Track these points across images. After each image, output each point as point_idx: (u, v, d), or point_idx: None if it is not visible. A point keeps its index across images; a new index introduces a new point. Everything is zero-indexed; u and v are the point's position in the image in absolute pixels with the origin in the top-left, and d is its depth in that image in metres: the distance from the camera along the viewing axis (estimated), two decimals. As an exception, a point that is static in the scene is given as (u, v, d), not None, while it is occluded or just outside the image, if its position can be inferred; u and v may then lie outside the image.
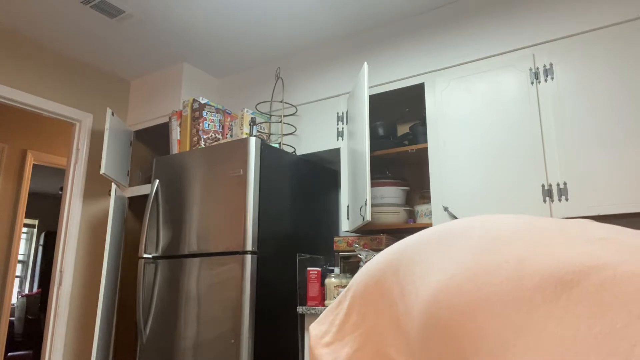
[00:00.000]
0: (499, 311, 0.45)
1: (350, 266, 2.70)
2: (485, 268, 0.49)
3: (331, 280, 2.39)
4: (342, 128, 2.89)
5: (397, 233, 2.77)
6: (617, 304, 0.37)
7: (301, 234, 2.66)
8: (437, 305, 0.51)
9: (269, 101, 3.32)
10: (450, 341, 0.49)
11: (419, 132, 2.68)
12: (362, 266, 2.37)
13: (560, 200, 2.13)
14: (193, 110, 2.95)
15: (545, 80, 2.27)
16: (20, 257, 6.67)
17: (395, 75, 2.78)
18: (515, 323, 0.43)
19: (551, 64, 2.27)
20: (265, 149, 2.50)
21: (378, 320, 0.61)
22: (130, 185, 3.47)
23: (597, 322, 0.37)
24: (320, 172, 2.95)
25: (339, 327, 0.67)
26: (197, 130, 2.87)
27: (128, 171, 3.47)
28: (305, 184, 2.77)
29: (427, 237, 0.61)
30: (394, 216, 2.60)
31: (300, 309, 2.38)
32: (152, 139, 3.75)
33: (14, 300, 5.94)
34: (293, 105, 3.18)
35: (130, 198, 3.51)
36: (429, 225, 2.48)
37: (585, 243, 0.46)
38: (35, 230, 6.88)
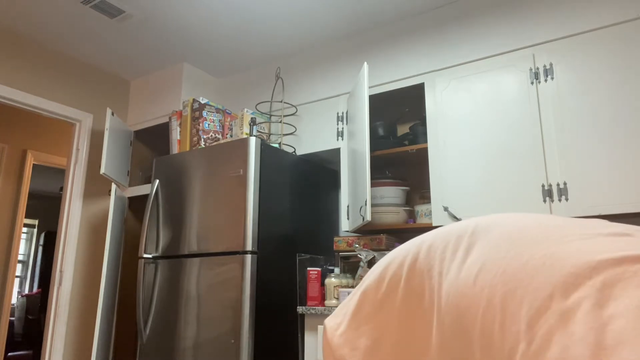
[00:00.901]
0: (531, 299, 0.45)
1: (350, 266, 2.70)
2: (512, 264, 0.49)
3: (331, 280, 2.39)
4: (342, 128, 2.89)
5: (397, 233, 2.77)
6: None
7: (301, 234, 2.66)
8: (462, 310, 0.51)
9: (269, 101, 3.32)
10: (478, 339, 0.49)
11: (419, 132, 2.68)
12: (362, 266, 2.37)
13: (560, 200, 2.13)
14: (193, 110, 2.95)
15: (545, 80, 2.27)
16: (20, 257, 6.67)
17: (395, 75, 2.78)
18: (550, 308, 0.43)
19: (551, 64, 2.27)
20: (265, 149, 2.50)
21: (397, 312, 0.62)
22: (130, 185, 3.47)
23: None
24: (320, 172, 2.95)
25: (352, 316, 0.67)
26: (197, 130, 2.88)
27: (128, 171, 3.47)
28: (305, 184, 2.77)
29: (444, 235, 0.61)
30: (394, 216, 2.60)
31: (300, 309, 2.38)
32: (152, 139, 3.75)
33: (14, 300, 5.94)
34: (293, 105, 3.18)
35: (130, 198, 3.51)
36: (429, 225, 2.48)
37: (608, 238, 0.48)
38: (35, 230, 6.88)
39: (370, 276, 0.68)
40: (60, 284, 3.17)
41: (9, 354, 5.22)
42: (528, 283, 0.45)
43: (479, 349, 0.48)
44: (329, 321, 0.72)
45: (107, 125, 3.17)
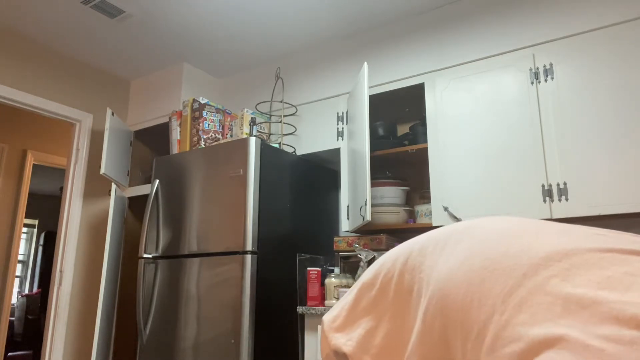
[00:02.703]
0: (506, 278, 0.50)
1: (350, 266, 2.70)
2: (493, 253, 0.54)
3: (331, 280, 2.39)
4: (342, 128, 2.89)
5: (397, 233, 2.77)
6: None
7: (301, 234, 2.66)
8: (446, 291, 0.56)
9: (269, 101, 3.32)
10: (456, 327, 0.53)
11: (419, 132, 2.68)
12: (362, 266, 2.37)
13: (560, 200, 2.13)
14: (193, 110, 2.95)
15: (545, 81, 2.27)
16: (20, 257, 6.67)
17: (395, 75, 2.78)
18: (523, 284, 0.48)
19: (551, 64, 2.27)
20: (265, 149, 2.50)
21: (388, 306, 0.66)
22: (130, 185, 3.47)
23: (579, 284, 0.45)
24: (320, 172, 2.95)
25: (349, 311, 0.72)
26: (197, 130, 2.88)
27: (128, 171, 3.47)
28: (305, 184, 2.77)
29: (435, 235, 0.66)
30: (394, 216, 2.60)
31: (300, 309, 2.38)
32: (152, 139, 3.75)
33: (14, 300, 5.94)
34: (293, 105, 3.18)
35: (130, 198, 3.51)
36: (429, 225, 2.48)
37: (583, 235, 0.53)
38: (35, 230, 6.88)
39: (366, 274, 0.72)
40: (60, 284, 3.17)
41: (9, 354, 5.22)
42: (506, 266, 0.51)
43: (459, 325, 0.52)
44: (327, 316, 0.77)
45: (107, 125, 3.16)
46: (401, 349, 0.62)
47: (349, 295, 0.74)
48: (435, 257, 0.61)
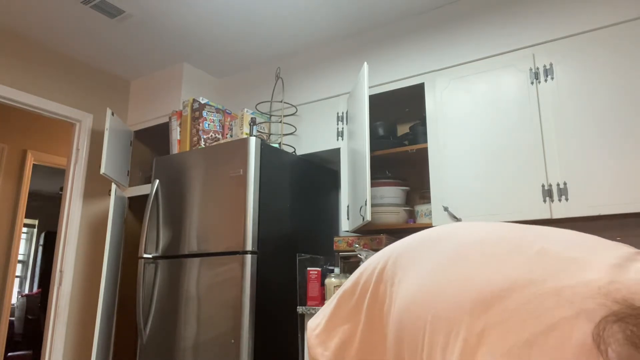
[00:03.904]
0: (442, 327, 0.47)
1: (350, 266, 2.70)
2: (439, 285, 0.51)
3: (331, 280, 2.39)
4: (342, 128, 2.89)
5: (397, 233, 2.77)
6: (531, 319, 0.40)
7: (301, 234, 2.66)
8: (403, 317, 0.54)
9: (269, 101, 3.32)
10: (409, 346, 0.51)
11: (419, 132, 2.68)
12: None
13: (560, 200, 2.13)
14: (193, 110, 2.95)
15: (545, 81, 2.27)
16: (20, 257, 6.67)
17: (395, 75, 2.78)
18: (451, 340, 0.45)
19: (551, 64, 2.27)
20: (265, 149, 2.50)
21: (363, 317, 0.65)
22: (130, 185, 3.47)
23: (513, 336, 0.40)
24: (320, 172, 2.95)
25: (329, 318, 0.71)
26: (197, 130, 2.88)
27: (128, 171, 3.47)
28: (305, 184, 2.77)
29: (412, 243, 0.64)
30: (394, 216, 2.60)
31: (300, 309, 2.38)
32: (152, 139, 3.75)
33: (14, 300, 5.93)
34: (293, 105, 3.18)
35: (130, 198, 3.51)
36: (429, 225, 2.48)
37: (524, 258, 0.48)
38: (35, 230, 6.87)
39: (348, 282, 0.71)
40: (60, 284, 3.17)
41: (9, 354, 5.22)
42: (445, 307, 0.48)
43: (406, 356, 0.51)
44: (310, 322, 0.75)
45: (107, 125, 3.16)
46: None
47: (331, 302, 0.73)
48: (405, 270, 0.60)
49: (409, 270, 0.59)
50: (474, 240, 0.55)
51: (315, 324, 0.73)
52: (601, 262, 0.42)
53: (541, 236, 0.51)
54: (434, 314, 0.48)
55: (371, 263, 0.68)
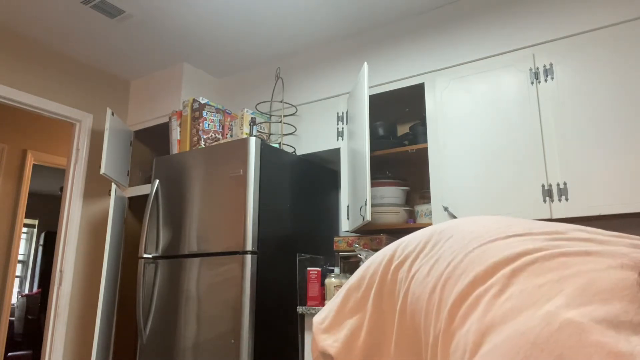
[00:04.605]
0: (459, 285, 0.51)
1: (350, 266, 2.70)
2: (455, 259, 0.56)
3: (331, 280, 2.39)
4: (342, 128, 2.89)
5: (397, 233, 2.77)
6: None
7: (301, 234, 2.66)
8: (417, 290, 0.58)
9: (269, 101, 3.32)
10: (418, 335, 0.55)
11: (419, 132, 2.68)
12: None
13: (560, 200, 2.13)
14: (193, 110, 2.95)
15: (545, 81, 2.27)
16: (20, 257, 6.67)
17: (395, 75, 2.78)
18: (471, 293, 0.49)
19: (551, 64, 2.27)
20: (265, 149, 2.50)
21: (370, 307, 0.68)
22: (130, 185, 3.47)
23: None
24: (320, 172, 2.95)
25: (336, 311, 0.73)
26: (197, 130, 2.88)
27: (128, 171, 3.47)
28: (305, 184, 2.77)
29: (419, 236, 0.68)
30: (394, 216, 2.60)
31: (300, 309, 2.38)
32: (152, 139, 3.75)
33: (14, 300, 5.94)
34: (293, 105, 3.18)
35: (130, 198, 3.51)
36: (429, 225, 2.48)
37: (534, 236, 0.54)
38: (35, 230, 6.87)
39: (354, 275, 0.74)
40: (60, 284, 3.17)
41: (9, 354, 5.22)
42: (461, 272, 0.52)
43: (423, 331, 0.54)
44: (316, 316, 0.78)
45: (107, 125, 3.16)
46: (385, 349, 0.64)
47: (337, 297, 0.76)
48: (415, 259, 0.63)
49: (419, 259, 0.63)
50: (484, 224, 0.60)
51: (322, 318, 0.76)
52: (619, 242, 0.49)
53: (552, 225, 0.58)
54: (447, 279, 0.53)
55: (377, 257, 0.72)
